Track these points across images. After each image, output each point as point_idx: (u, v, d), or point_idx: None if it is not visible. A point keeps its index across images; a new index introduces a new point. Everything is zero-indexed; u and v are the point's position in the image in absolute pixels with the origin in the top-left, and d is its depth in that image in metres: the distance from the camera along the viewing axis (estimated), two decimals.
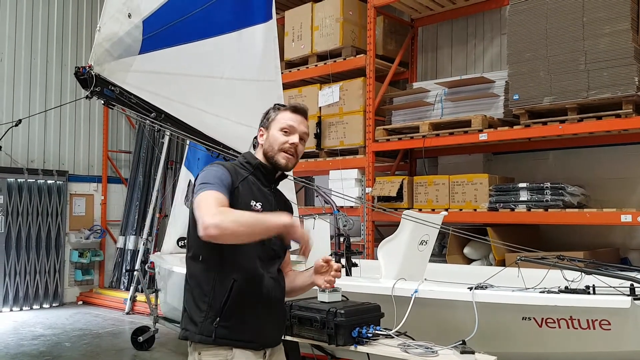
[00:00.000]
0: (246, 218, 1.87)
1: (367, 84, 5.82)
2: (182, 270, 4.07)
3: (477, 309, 2.60)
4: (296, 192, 6.29)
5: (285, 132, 2.14)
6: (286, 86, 6.32)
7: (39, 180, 7.82)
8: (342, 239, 3.94)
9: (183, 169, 5.37)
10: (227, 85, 3.66)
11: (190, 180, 5.25)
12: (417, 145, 5.48)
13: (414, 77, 6.67)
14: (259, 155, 2.19)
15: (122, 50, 2.61)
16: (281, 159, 2.15)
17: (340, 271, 2.31)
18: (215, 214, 1.80)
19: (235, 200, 1.98)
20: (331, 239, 4.07)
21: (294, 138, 2.16)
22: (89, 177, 8.60)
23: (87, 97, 2.48)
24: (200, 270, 2.00)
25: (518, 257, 3.19)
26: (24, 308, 7.59)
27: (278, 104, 2.24)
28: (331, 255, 3.87)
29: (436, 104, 5.59)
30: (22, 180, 7.66)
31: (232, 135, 3.85)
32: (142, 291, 7.13)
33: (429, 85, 5.78)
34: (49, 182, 7.93)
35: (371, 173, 5.70)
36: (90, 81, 2.39)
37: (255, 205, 2.06)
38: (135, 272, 7.14)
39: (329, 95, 6.03)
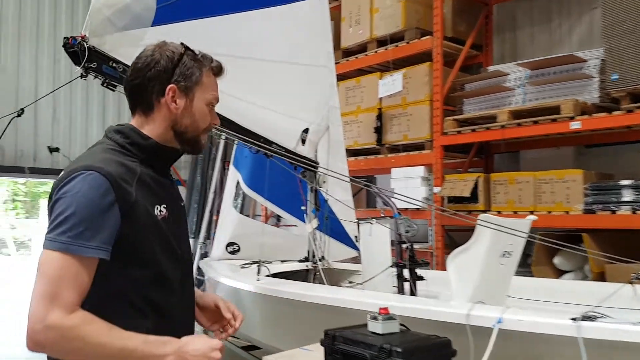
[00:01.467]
0: (105, 349, 1.29)
1: (434, 69, 5.14)
2: (229, 282, 3.60)
3: (585, 348, 1.93)
4: (355, 194, 5.71)
5: (211, 106, 1.62)
6: (342, 77, 5.78)
7: None
8: (404, 247, 3.33)
9: (231, 168, 4.94)
10: (266, 69, 3.15)
11: (238, 180, 4.80)
12: (495, 138, 4.73)
13: (489, 61, 5.90)
14: (154, 127, 1.55)
15: (129, 20, 2.15)
16: (203, 141, 1.64)
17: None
18: (49, 325, 1.25)
19: (133, 221, 1.42)
20: (392, 245, 3.45)
21: (216, 116, 1.66)
22: None
23: (81, 75, 2.03)
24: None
25: (634, 275, 2.45)
26: None
27: (190, 51, 1.57)
28: (392, 266, 3.27)
29: (517, 89, 4.82)
30: None
31: (274, 127, 3.33)
32: None
33: (508, 68, 5.02)
34: None
35: (439, 170, 5.01)
36: (82, 55, 1.94)
37: (160, 211, 1.51)
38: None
39: (390, 84, 5.41)
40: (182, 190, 8.46)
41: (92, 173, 1.35)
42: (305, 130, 3.82)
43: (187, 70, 1.53)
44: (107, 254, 1.34)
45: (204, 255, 7.47)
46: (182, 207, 1.70)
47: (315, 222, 3.89)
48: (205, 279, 4.97)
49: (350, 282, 4.30)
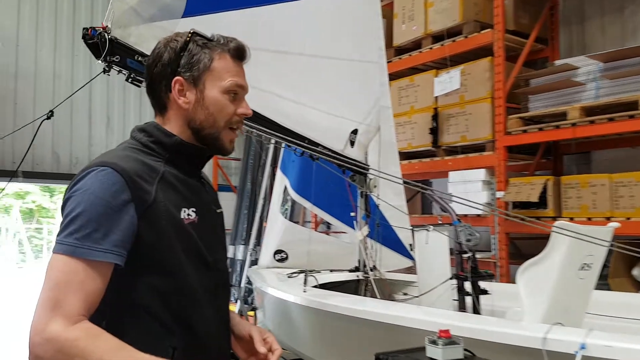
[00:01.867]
0: None
1: (496, 64, 4.76)
2: (275, 292, 3.39)
3: None
4: (409, 200, 5.40)
5: (234, 94, 1.36)
6: (395, 76, 5.49)
7: None
8: (465, 257, 3.00)
9: (279, 172, 4.74)
10: (311, 65, 2.92)
11: (285, 185, 4.60)
12: (564, 137, 4.31)
13: (556, 55, 5.44)
14: (173, 125, 1.37)
15: (157, 11, 1.97)
16: (227, 140, 1.39)
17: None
18: (48, 338, 1.08)
19: (153, 224, 1.24)
20: (451, 255, 3.13)
21: (246, 105, 1.40)
22: None
23: (104, 70, 1.86)
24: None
25: None
26: None
27: (198, 34, 1.36)
28: (452, 278, 2.96)
29: (588, 84, 4.38)
30: None
31: (319, 127, 3.10)
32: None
33: (578, 61, 4.57)
34: None
35: (503, 173, 4.62)
36: (102, 47, 1.77)
37: (188, 214, 1.31)
38: (241, 286, 6.69)
39: (447, 81, 5.06)
40: (233, 197, 8.39)
41: (105, 169, 1.20)
42: (354, 131, 3.56)
43: (193, 57, 1.33)
44: (119, 258, 1.17)
45: (254, 262, 7.34)
46: (217, 214, 1.49)
47: (365, 230, 3.62)
48: (254, 286, 4.80)
49: (405, 294, 4.00)
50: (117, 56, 1.82)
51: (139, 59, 1.88)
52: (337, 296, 2.93)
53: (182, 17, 2.02)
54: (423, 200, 6.59)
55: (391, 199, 4.16)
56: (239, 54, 1.37)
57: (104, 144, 7.50)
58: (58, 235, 1.17)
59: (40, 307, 1.11)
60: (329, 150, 3.15)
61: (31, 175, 6.80)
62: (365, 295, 3.72)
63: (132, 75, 1.88)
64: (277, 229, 4.58)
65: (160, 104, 1.36)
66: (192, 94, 1.33)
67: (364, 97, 3.59)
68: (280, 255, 4.53)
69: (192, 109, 1.33)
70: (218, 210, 1.50)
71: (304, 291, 3.06)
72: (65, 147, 7.17)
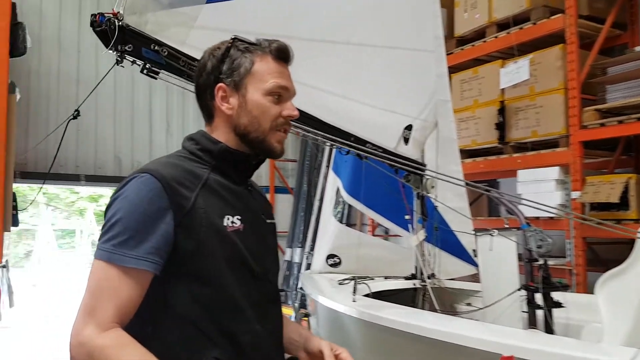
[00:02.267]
0: None
1: (569, 52, 4.32)
2: (327, 302, 3.17)
3: None
4: (474, 201, 5.03)
5: (277, 96, 1.35)
6: (456, 68, 5.15)
7: None
8: (536, 265, 2.66)
9: (331, 173, 4.52)
10: (358, 55, 2.68)
11: (338, 187, 4.37)
12: None
13: (636, 41, 4.88)
14: (220, 133, 1.37)
15: None
16: (275, 142, 1.38)
17: None
18: (81, 342, 1.13)
19: (192, 231, 1.23)
20: (519, 261, 2.79)
21: (291, 107, 1.38)
22: None
23: (116, 61, 1.72)
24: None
25: None
26: None
27: (240, 39, 1.35)
28: (520, 289, 2.63)
29: None
30: None
31: (369, 123, 2.85)
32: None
33: None
34: None
35: (579, 172, 4.17)
36: (112, 34, 1.61)
37: (232, 222, 1.30)
38: (295, 291, 6.53)
39: (514, 72, 4.66)
40: (290, 199, 8.26)
41: (144, 175, 1.23)
42: (408, 127, 3.28)
43: (234, 63, 1.34)
44: (152, 265, 1.18)
45: (310, 265, 7.17)
46: (267, 224, 1.45)
47: (421, 234, 3.33)
48: (305, 293, 4.61)
49: (468, 305, 3.67)
50: (130, 45, 1.67)
51: (156, 48, 1.72)
52: (388, 307, 2.67)
53: (207, 2, 1.84)
54: (490, 202, 6.15)
55: (451, 201, 3.84)
56: (281, 54, 1.35)
57: (164, 148, 7.58)
58: (99, 241, 1.19)
59: (79, 311, 1.15)
60: (379, 148, 2.89)
61: (94, 179, 6.95)
62: (422, 306, 3.42)
63: (147, 66, 1.73)
64: (329, 232, 4.37)
65: (207, 113, 1.38)
66: (235, 99, 1.33)
67: (419, 90, 3.31)
68: (333, 260, 4.31)
69: (236, 114, 1.33)
70: (269, 221, 1.45)
71: (354, 301, 2.82)
72: (127, 151, 7.29)
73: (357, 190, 4.09)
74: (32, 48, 6.68)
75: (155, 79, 1.75)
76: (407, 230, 3.53)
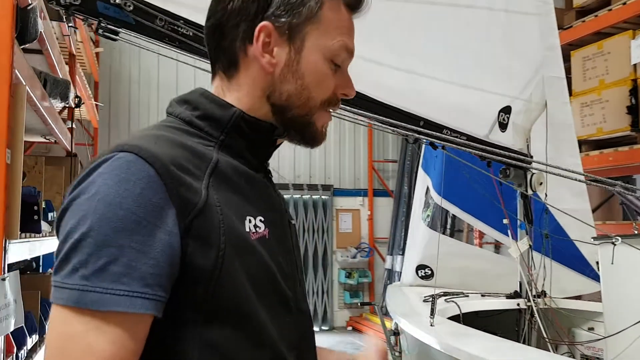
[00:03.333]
0: None
1: None
2: (405, 323, 2.66)
3: None
4: (604, 202, 4.18)
5: (337, 65, 0.89)
6: (576, 44, 4.36)
7: (304, 196, 7.49)
8: None
9: (420, 172, 3.96)
10: (433, 17, 2.14)
11: (427, 186, 3.80)
12: None
13: None
14: (244, 96, 0.87)
15: None
16: (320, 125, 0.91)
17: None
18: None
19: (205, 242, 0.73)
20: None
21: (351, 82, 0.92)
22: (355, 190, 7.92)
23: (62, 19, 1.35)
24: None
25: None
26: None
27: None
28: None
29: None
30: (288, 196, 7.43)
31: (446, 104, 2.30)
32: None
33: None
34: (314, 197, 7.54)
35: None
36: None
37: (255, 226, 0.79)
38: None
39: None
40: (390, 202, 7.73)
41: (124, 157, 0.72)
42: (506, 110, 2.66)
43: None
44: (153, 304, 0.69)
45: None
46: (290, 225, 0.95)
47: (524, 242, 2.68)
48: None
49: (590, 330, 2.93)
50: None
51: (117, 1, 1.32)
52: (474, 336, 2.09)
53: None
54: (626, 204, 5.13)
55: (568, 201, 3.12)
56: (357, 3, 0.90)
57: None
58: (55, 274, 0.70)
59: None
60: (461, 135, 2.32)
61: None
62: (527, 333, 2.76)
63: (102, 24, 1.34)
64: (419, 239, 3.81)
65: (228, 59, 0.88)
66: (284, 51, 0.86)
67: (518, 63, 2.68)
68: (424, 272, 3.74)
69: (279, 75, 0.87)
70: (291, 221, 0.97)
71: (431, 325, 2.28)
72: None
73: (448, 189, 3.50)
74: (132, 57, 6.90)
75: (115, 40, 1.36)
76: (514, 237, 2.89)
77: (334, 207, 7.71)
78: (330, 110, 0.92)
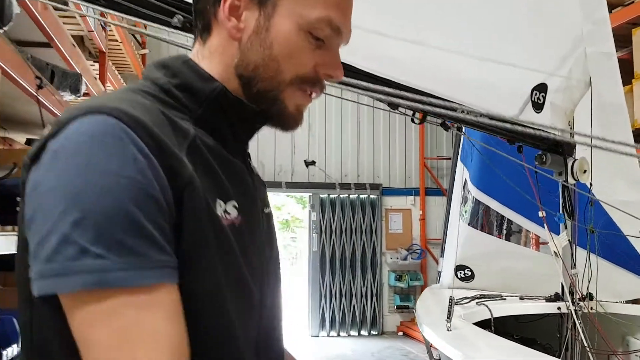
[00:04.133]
0: None
1: None
2: (428, 333, 2.41)
3: None
4: None
5: (320, 39, 0.77)
6: (638, 22, 3.90)
7: (351, 195, 7.29)
8: None
9: (458, 164, 3.67)
10: None
11: (465, 179, 3.51)
12: None
13: None
14: (212, 65, 0.78)
15: None
16: (292, 105, 0.79)
17: None
18: None
19: (192, 221, 0.65)
20: None
21: (336, 62, 0.80)
22: (406, 189, 7.62)
23: None
24: None
25: None
26: (341, 334, 7.06)
27: None
28: None
29: None
30: (334, 195, 7.26)
31: (469, 81, 2.05)
32: None
33: None
34: (362, 196, 7.32)
35: None
36: None
37: (225, 211, 0.71)
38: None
39: None
40: (444, 201, 7.37)
41: (98, 117, 0.62)
42: (540, 88, 2.36)
43: None
44: (174, 273, 0.63)
45: None
46: (264, 214, 0.86)
47: (563, 237, 2.36)
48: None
49: None
50: None
51: None
52: (489, 344, 1.83)
53: None
54: None
55: (624, 193, 2.76)
56: None
57: (306, 151, 7.34)
58: (49, 262, 0.58)
59: None
60: (482, 115, 2.05)
61: None
62: (571, 340, 2.43)
63: None
64: (457, 237, 3.52)
65: (204, 24, 0.80)
66: (253, 16, 0.78)
67: (552, 35, 2.37)
68: (464, 273, 3.45)
69: (245, 43, 0.78)
70: (267, 210, 0.88)
71: (448, 329, 2.02)
72: (269, 155, 7.19)
73: (486, 181, 3.21)
74: None
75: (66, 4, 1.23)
76: (556, 231, 2.56)
77: (383, 206, 7.45)
78: (310, 91, 0.80)
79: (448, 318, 2.08)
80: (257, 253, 0.78)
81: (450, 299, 2.20)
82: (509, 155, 2.35)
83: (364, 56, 1.90)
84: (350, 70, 1.74)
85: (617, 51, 3.07)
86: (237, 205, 0.73)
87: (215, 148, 0.75)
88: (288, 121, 0.79)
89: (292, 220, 23.64)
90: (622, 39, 4.17)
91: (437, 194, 7.64)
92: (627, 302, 2.85)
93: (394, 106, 1.85)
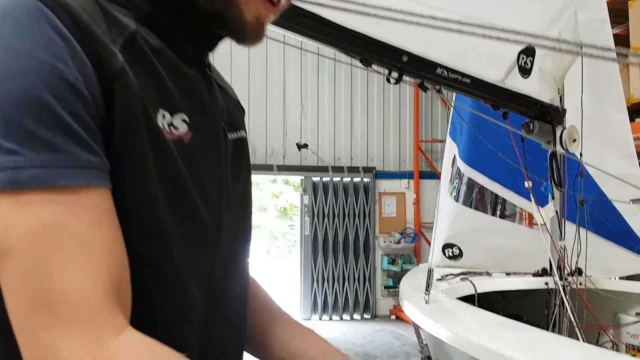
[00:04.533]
0: None
1: None
2: (407, 308, 2.31)
3: None
4: None
5: None
6: None
7: (344, 179, 7.18)
8: None
9: (447, 140, 3.56)
10: None
11: (454, 154, 3.39)
12: None
13: None
14: None
15: None
16: (250, 13, 0.64)
17: None
18: None
19: (122, 121, 0.53)
20: None
21: None
22: (400, 173, 7.50)
23: None
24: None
25: None
26: (333, 317, 6.99)
27: None
28: None
29: None
30: (327, 179, 7.15)
31: (447, 41, 1.92)
32: None
33: None
34: (355, 180, 7.21)
35: None
36: None
37: (171, 124, 0.58)
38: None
39: None
40: (438, 185, 7.26)
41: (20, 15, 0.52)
42: (527, 51, 2.24)
43: None
44: (103, 175, 0.53)
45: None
46: (234, 141, 0.75)
47: (550, 209, 2.26)
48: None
49: (638, 315, 2.47)
50: None
51: None
52: (467, 315, 1.73)
53: None
54: None
55: (615, 165, 2.66)
56: None
57: (298, 133, 7.22)
58: None
59: (24, 322, 0.48)
60: (464, 75, 1.94)
61: None
62: (558, 317, 2.33)
63: None
64: (445, 215, 3.41)
65: None
66: None
67: None
68: (451, 251, 3.34)
69: None
70: (234, 135, 0.75)
71: (426, 302, 1.93)
72: (261, 138, 7.07)
73: (475, 155, 3.09)
74: None
75: None
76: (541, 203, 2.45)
77: (377, 190, 7.34)
78: (273, 1, 0.69)
79: (426, 290, 1.97)
80: (213, 179, 0.67)
81: (429, 270, 2.10)
82: (498, 121, 2.24)
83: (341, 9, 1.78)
84: (326, 25, 1.62)
85: (613, 28, 2.95)
86: (187, 120, 0.63)
87: (163, 51, 0.63)
88: (245, 32, 0.68)
89: (290, 207, 23.55)
90: (617, 14, 4.03)
91: (432, 177, 7.53)
92: (621, 278, 2.75)
93: (367, 63, 1.73)
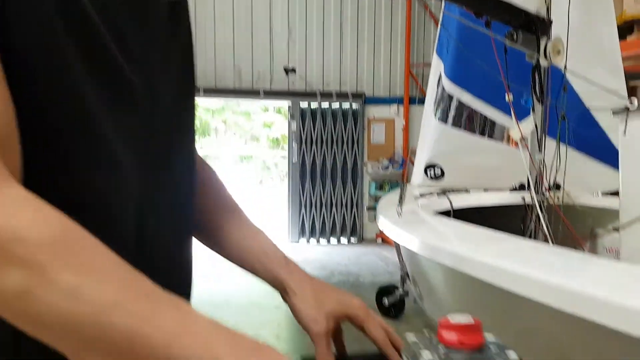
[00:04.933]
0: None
1: None
2: (382, 222, 2.31)
3: None
4: None
5: None
6: None
7: (333, 105, 7.05)
8: None
9: (434, 58, 3.45)
10: None
11: (440, 73, 3.30)
12: None
13: None
14: None
15: None
16: None
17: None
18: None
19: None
20: None
21: None
22: (389, 98, 7.36)
23: None
24: None
25: None
26: (320, 241, 7.10)
27: None
28: None
29: None
30: (315, 105, 7.02)
31: None
32: None
33: None
34: (344, 106, 7.08)
35: None
36: None
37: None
38: None
39: None
40: None
41: None
42: None
43: None
44: None
45: None
46: (169, 2, 0.63)
47: (529, 122, 2.21)
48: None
49: (616, 230, 2.48)
50: None
51: None
52: (444, 225, 1.71)
53: None
54: None
55: (602, 79, 2.58)
56: None
57: (286, 57, 7.01)
58: None
59: None
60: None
61: (213, 92, 6.70)
62: (535, 231, 2.34)
63: None
64: (429, 135, 3.37)
65: None
66: None
67: None
68: (433, 171, 3.33)
69: None
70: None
71: (399, 215, 1.91)
72: (246, 61, 6.87)
73: (460, 72, 3.01)
74: None
75: None
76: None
77: (366, 116, 7.24)
78: None
79: (399, 204, 1.96)
80: (141, 43, 0.58)
81: (402, 184, 2.08)
82: (485, 29, 2.13)
83: None
84: None
85: None
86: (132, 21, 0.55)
87: None
88: None
89: (282, 138, 23.37)
90: None
91: (422, 102, 7.37)
92: (604, 194, 2.74)
93: None
